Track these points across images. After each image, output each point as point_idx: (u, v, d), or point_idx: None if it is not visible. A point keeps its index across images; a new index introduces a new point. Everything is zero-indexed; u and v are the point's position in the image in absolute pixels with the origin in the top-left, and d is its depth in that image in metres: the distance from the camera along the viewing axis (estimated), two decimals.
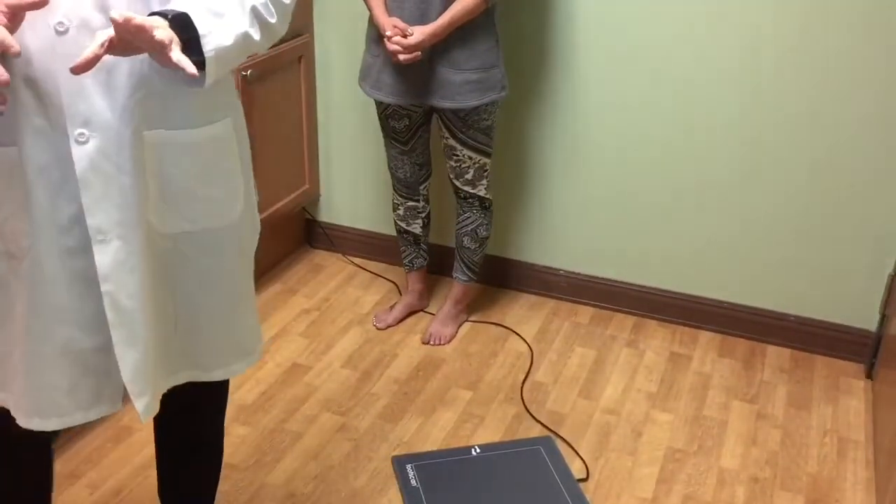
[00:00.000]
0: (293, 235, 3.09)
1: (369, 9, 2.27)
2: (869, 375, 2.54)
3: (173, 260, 1.37)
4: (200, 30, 1.19)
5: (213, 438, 1.73)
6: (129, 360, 1.32)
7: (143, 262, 1.31)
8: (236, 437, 2.21)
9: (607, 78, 2.55)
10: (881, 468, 2.09)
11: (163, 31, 1.13)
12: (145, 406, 1.36)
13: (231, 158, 1.40)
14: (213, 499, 1.79)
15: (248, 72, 2.49)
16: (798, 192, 2.49)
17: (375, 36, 2.29)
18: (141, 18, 1.11)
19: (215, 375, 1.50)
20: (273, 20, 1.30)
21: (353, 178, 3.00)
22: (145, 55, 1.19)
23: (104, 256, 1.27)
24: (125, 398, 1.38)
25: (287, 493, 2.05)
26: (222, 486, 2.04)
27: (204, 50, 1.19)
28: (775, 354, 2.63)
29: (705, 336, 2.71)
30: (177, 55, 1.13)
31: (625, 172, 2.64)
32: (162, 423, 1.67)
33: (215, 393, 1.63)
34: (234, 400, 2.35)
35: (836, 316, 2.58)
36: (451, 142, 2.41)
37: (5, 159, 1.23)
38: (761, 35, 2.37)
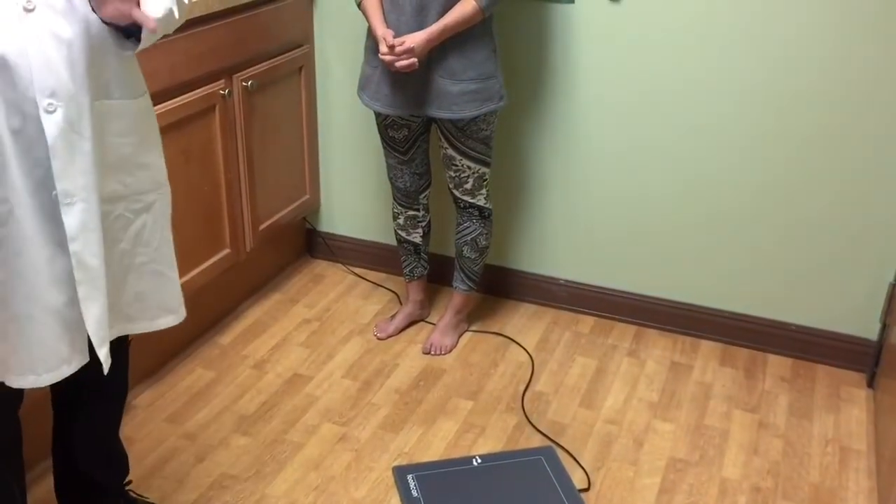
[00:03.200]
0: (294, 245, 3.09)
1: (368, 20, 2.28)
2: (870, 384, 2.53)
3: (112, 221, 1.50)
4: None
5: (118, 388, 1.82)
6: (94, 312, 1.46)
7: (100, 223, 1.44)
8: (237, 447, 2.21)
9: (606, 85, 2.56)
10: (883, 477, 2.09)
11: None
12: (105, 354, 1.49)
13: (156, 128, 1.58)
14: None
15: (250, 82, 2.50)
16: (798, 201, 2.49)
17: (374, 47, 2.29)
18: None
19: (141, 328, 1.64)
20: (186, 1, 1.50)
21: (354, 188, 3.00)
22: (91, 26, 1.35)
23: (71, 218, 1.39)
24: None
25: (288, 503, 2.05)
26: (223, 497, 2.04)
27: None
28: (776, 364, 2.63)
29: (706, 345, 2.70)
30: (140, 12, 1.32)
31: (625, 180, 2.65)
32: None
33: (124, 350, 1.75)
34: (235, 410, 2.34)
35: (836, 325, 2.58)
36: (451, 152, 2.41)
37: None
38: (768, 54, 2.38)
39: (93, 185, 1.41)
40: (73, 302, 1.45)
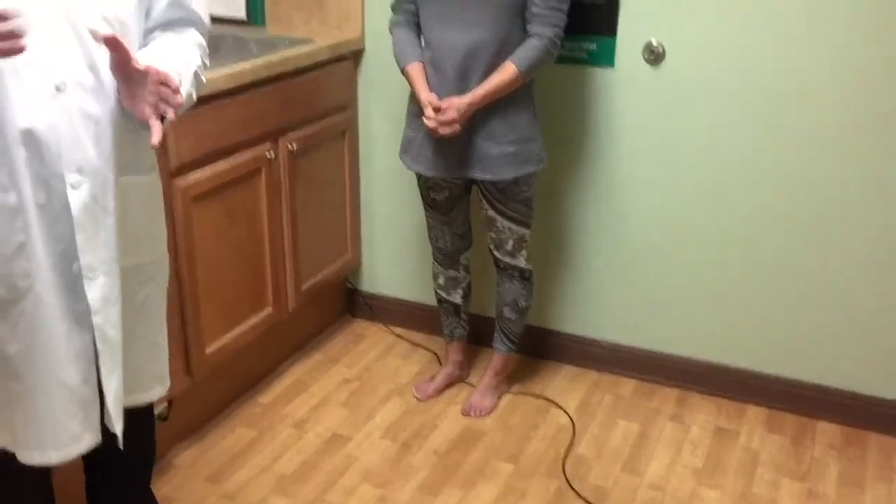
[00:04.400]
0: (335, 305, 3.12)
1: (411, 84, 2.33)
2: None
3: (122, 292, 1.50)
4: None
5: (145, 454, 1.82)
6: (112, 386, 1.47)
7: (121, 296, 1.46)
8: None
9: (646, 146, 2.57)
10: None
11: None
12: (122, 429, 1.49)
13: (161, 199, 1.62)
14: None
15: (295, 146, 2.56)
16: (847, 262, 2.45)
17: (416, 111, 2.34)
18: (164, 68, 1.34)
19: (138, 400, 1.62)
20: (203, 80, 1.55)
21: (395, 249, 3.03)
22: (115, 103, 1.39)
23: (94, 292, 1.40)
24: None
25: None
26: None
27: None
28: (826, 431, 2.55)
29: (752, 411, 2.64)
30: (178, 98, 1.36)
31: (666, 241, 2.63)
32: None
33: (148, 416, 1.76)
34: (275, 470, 2.34)
35: (888, 392, 2.50)
36: (491, 213, 2.43)
37: (7, 205, 1.34)
38: (809, 114, 2.37)
39: (115, 259, 1.43)
40: (88, 379, 1.45)
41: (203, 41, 1.56)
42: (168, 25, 1.51)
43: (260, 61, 2.40)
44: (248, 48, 2.66)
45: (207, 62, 1.58)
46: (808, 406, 2.59)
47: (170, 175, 2.14)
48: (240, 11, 2.89)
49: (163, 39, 1.49)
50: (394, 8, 2.38)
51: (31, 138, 1.31)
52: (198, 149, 2.21)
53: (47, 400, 1.42)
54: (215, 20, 2.85)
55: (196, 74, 1.50)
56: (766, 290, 2.56)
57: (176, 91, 1.34)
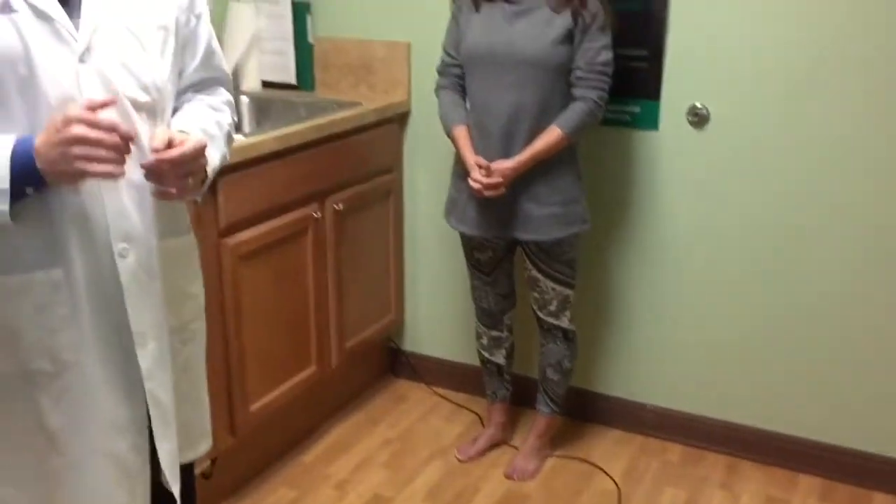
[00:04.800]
0: (377, 364, 3.12)
1: (456, 146, 2.36)
2: None
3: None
4: (208, 158, 1.40)
5: None
6: (166, 450, 1.46)
7: (170, 359, 1.46)
8: None
9: (692, 208, 2.55)
10: None
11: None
12: (178, 492, 1.47)
13: (198, 258, 1.62)
14: None
15: (341, 206, 2.60)
16: None
17: (461, 172, 2.37)
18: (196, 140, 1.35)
19: (186, 456, 1.60)
20: (234, 137, 1.60)
21: (438, 308, 3.03)
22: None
23: (145, 358, 1.40)
24: None
25: None
26: None
27: (208, 171, 1.43)
28: (882, 502, 2.45)
29: (805, 480, 2.55)
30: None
31: (713, 303, 2.60)
32: None
33: (189, 476, 1.71)
34: None
35: None
36: (535, 273, 2.43)
37: (51, 280, 1.33)
38: (858, 174, 2.35)
39: (163, 323, 1.43)
40: (137, 447, 1.43)
41: (231, 98, 1.61)
42: (199, 85, 1.54)
43: (309, 124, 2.46)
44: (297, 112, 2.74)
45: (236, 118, 1.62)
46: (863, 476, 2.50)
47: (219, 234, 2.19)
48: (290, 77, 2.98)
49: (196, 104, 1.52)
50: (440, 71, 2.44)
51: (78, 211, 1.32)
52: (246, 209, 2.26)
53: (93, 474, 1.39)
54: (266, 85, 2.99)
55: (228, 134, 1.55)
56: (820, 355, 2.50)
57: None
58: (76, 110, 1.22)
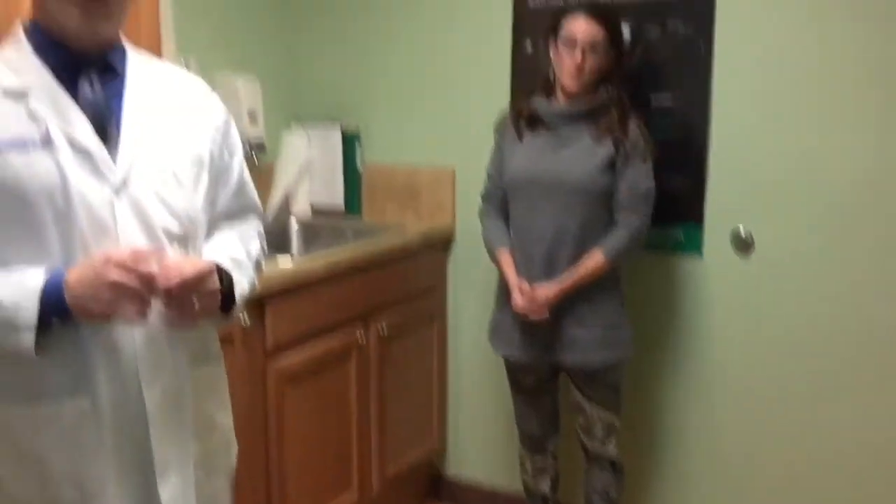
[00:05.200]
0: (419, 490, 3.05)
1: (500, 269, 2.38)
2: None
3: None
4: (236, 283, 1.42)
5: None
6: None
7: (195, 492, 1.42)
8: None
9: (739, 334, 2.52)
10: None
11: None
12: None
13: (227, 387, 1.58)
14: None
15: (385, 330, 2.62)
16: None
17: (505, 295, 2.38)
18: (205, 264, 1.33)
19: None
20: (263, 266, 1.60)
21: (481, 433, 2.98)
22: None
23: (166, 491, 1.37)
24: None
25: None
26: None
27: (236, 296, 1.43)
28: None
29: None
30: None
31: (764, 434, 2.51)
32: None
33: None
34: None
35: None
36: (579, 399, 2.39)
37: (78, 409, 1.32)
38: None
39: (187, 454, 1.41)
40: None
41: (261, 227, 1.62)
42: (231, 215, 1.55)
43: (355, 249, 2.52)
44: (344, 236, 2.80)
45: (266, 247, 1.63)
46: None
47: (265, 356, 2.21)
48: (338, 202, 3.06)
49: (227, 233, 1.53)
50: (484, 197, 2.49)
51: (107, 340, 1.31)
52: (293, 332, 2.29)
53: None
54: (315, 210, 3.07)
55: (258, 262, 1.56)
56: (874, 492, 2.39)
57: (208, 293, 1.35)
58: (119, 254, 1.24)
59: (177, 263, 1.29)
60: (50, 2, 1.29)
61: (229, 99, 2.73)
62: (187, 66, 2.51)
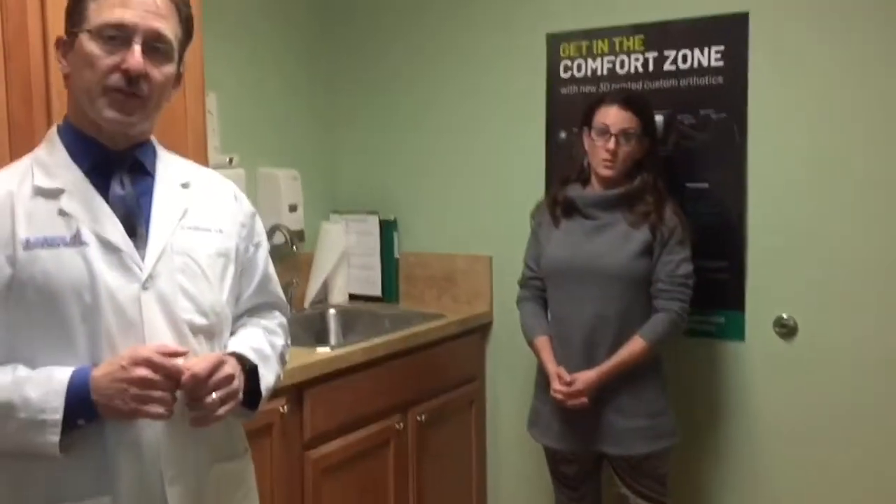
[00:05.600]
0: None
1: (538, 357, 2.36)
2: None
3: None
4: (261, 378, 1.43)
5: None
6: None
7: None
8: None
9: (783, 425, 2.45)
10: None
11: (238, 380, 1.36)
12: None
13: (254, 479, 1.54)
14: None
15: (423, 417, 2.59)
16: None
17: (544, 383, 2.35)
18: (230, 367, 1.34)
19: None
20: (287, 359, 1.60)
21: None
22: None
23: None
24: None
25: None
26: None
27: (262, 389, 1.44)
28: None
29: None
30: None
31: None
32: None
33: None
34: None
35: None
36: (624, 490, 2.33)
37: None
38: None
39: None
40: None
41: (285, 321, 1.62)
42: (255, 310, 1.55)
43: (393, 336, 2.52)
44: (382, 323, 2.81)
45: (289, 342, 1.61)
46: None
47: (303, 447, 2.20)
48: (376, 289, 3.09)
49: (251, 328, 1.53)
50: (521, 284, 2.49)
51: (131, 438, 1.30)
52: (331, 421, 2.28)
53: None
54: (353, 298, 3.09)
55: (282, 355, 1.56)
56: None
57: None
58: (145, 350, 1.26)
59: (192, 361, 1.30)
60: (85, 102, 1.33)
61: (271, 192, 2.82)
62: (231, 162, 2.60)
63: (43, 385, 1.25)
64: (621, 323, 2.25)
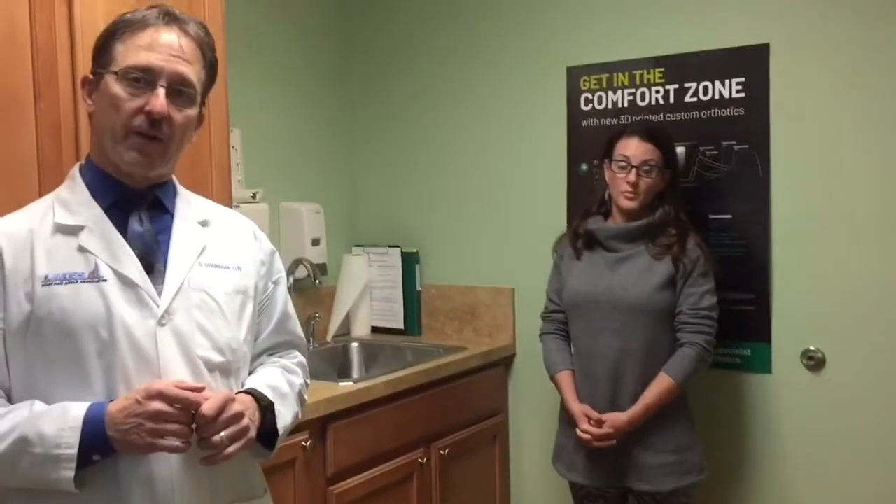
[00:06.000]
0: None
1: (561, 393, 2.34)
2: None
3: None
4: (278, 415, 1.41)
5: None
6: None
7: None
8: None
9: (812, 458, 2.41)
10: None
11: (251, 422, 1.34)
12: None
13: None
14: None
15: (446, 451, 2.57)
16: None
17: (568, 418, 2.33)
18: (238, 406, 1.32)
19: None
20: (306, 398, 1.58)
21: None
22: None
23: None
24: None
25: None
26: None
27: (279, 428, 1.42)
28: None
29: None
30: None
31: None
32: None
33: None
34: None
35: None
36: None
37: None
38: None
39: None
40: None
41: (304, 360, 1.60)
42: (274, 349, 1.54)
43: (415, 369, 2.51)
44: (404, 357, 2.81)
45: (309, 381, 1.60)
46: None
47: (326, 482, 2.18)
48: (398, 322, 3.09)
49: (269, 367, 1.52)
50: (543, 317, 2.48)
51: (145, 474, 1.29)
52: (354, 456, 2.27)
53: None
54: (375, 330, 3.10)
55: (300, 394, 1.54)
56: None
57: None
58: (161, 385, 1.25)
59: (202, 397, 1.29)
60: (108, 142, 1.35)
61: (293, 225, 2.84)
62: (254, 197, 2.63)
63: (58, 420, 1.25)
64: (646, 356, 2.23)
